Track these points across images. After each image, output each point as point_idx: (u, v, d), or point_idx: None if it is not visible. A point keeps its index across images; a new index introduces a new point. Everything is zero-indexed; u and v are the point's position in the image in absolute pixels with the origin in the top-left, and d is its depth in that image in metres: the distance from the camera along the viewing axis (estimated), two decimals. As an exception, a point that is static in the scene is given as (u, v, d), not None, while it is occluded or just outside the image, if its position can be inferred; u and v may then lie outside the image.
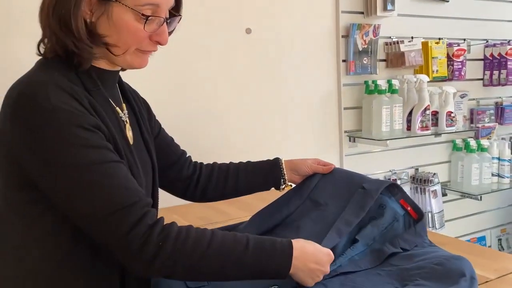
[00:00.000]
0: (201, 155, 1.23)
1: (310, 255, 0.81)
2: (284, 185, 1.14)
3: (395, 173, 2.21)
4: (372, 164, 2.14)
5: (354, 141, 2.06)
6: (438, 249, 0.98)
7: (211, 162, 1.18)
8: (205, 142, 1.73)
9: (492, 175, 2.31)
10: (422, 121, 2.01)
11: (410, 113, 2.04)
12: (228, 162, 1.17)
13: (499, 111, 2.47)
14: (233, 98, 1.81)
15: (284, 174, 1.13)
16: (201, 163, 1.17)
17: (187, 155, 1.15)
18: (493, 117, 2.44)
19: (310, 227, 0.99)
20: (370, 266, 0.94)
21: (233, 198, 1.18)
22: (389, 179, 2.16)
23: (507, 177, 2.38)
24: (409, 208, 1.07)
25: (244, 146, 1.82)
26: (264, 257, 0.77)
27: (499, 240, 2.62)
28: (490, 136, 2.41)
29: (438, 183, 2.22)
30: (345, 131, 2.06)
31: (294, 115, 1.95)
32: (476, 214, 2.53)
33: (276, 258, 0.78)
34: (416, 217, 1.06)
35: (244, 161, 1.16)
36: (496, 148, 2.36)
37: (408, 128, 2.05)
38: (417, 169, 2.29)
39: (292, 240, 0.81)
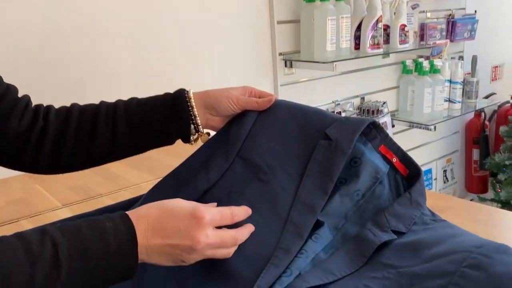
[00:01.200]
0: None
1: (166, 229, 0.48)
2: (196, 135, 0.68)
3: (339, 104, 1.83)
4: (313, 95, 1.74)
5: (291, 65, 1.62)
6: (451, 227, 0.60)
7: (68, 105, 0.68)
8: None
9: (444, 100, 2.02)
10: (373, 37, 1.60)
11: (359, 28, 1.62)
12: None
13: (451, 26, 2.15)
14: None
15: (195, 116, 0.66)
16: (49, 107, 0.67)
17: (28, 100, 0.65)
18: (444, 33, 2.12)
19: (248, 218, 0.56)
20: (350, 271, 0.54)
21: (113, 162, 0.70)
22: (333, 112, 1.78)
23: (458, 102, 2.11)
24: (394, 160, 0.67)
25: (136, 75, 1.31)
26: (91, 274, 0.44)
27: (444, 171, 2.43)
28: (441, 55, 2.10)
29: (388, 113, 1.89)
30: (280, 54, 1.61)
31: (213, 31, 1.44)
32: (422, 146, 2.28)
33: (116, 265, 0.45)
34: (406, 173, 0.66)
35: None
36: (448, 69, 2.06)
37: (356, 47, 1.65)
38: (362, 98, 1.93)
39: (129, 213, 0.48)
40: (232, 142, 0.64)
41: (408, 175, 0.66)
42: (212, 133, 0.69)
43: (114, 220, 0.47)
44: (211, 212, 0.50)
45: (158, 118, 0.65)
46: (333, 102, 1.81)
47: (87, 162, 0.66)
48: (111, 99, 0.69)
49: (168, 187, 0.63)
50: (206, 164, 0.62)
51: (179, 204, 0.50)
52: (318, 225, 0.59)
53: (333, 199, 0.61)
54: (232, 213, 0.52)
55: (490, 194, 2.36)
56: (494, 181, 2.24)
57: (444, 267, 0.49)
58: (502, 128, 2.16)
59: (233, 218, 0.52)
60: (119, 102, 0.67)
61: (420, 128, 1.97)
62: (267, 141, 0.64)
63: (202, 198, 0.60)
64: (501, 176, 2.08)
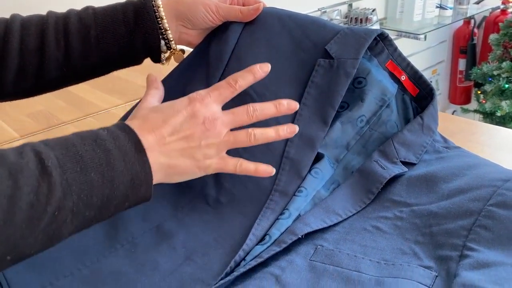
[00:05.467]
0: None
1: (158, 120, 0.41)
2: (168, 52, 0.56)
3: (325, 12, 1.68)
4: (297, 1, 1.58)
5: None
6: (468, 155, 0.52)
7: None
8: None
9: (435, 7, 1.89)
10: None
11: None
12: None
13: None
14: None
15: (165, 29, 0.54)
16: None
17: None
18: None
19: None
20: (355, 210, 0.47)
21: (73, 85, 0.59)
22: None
23: (450, 8, 1.98)
24: (403, 78, 0.58)
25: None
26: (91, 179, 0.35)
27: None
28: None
29: (377, 21, 1.75)
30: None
31: None
32: (408, 57, 2.17)
33: (124, 173, 0.37)
34: (415, 93, 0.58)
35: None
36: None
37: None
38: (350, 5, 1.77)
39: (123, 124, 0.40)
40: (213, 64, 0.53)
41: (417, 95, 0.57)
42: (188, 50, 0.58)
43: (108, 128, 0.38)
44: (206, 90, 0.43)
45: (119, 32, 0.53)
46: (318, 9, 1.66)
47: (36, 89, 0.54)
48: (61, 8, 0.55)
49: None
50: (183, 90, 0.52)
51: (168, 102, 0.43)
52: (317, 158, 0.51)
53: (333, 127, 0.53)
54: (233, 79, 0.44)
55: (473, 105, 2.33)
56: (479, 92, 2.20)
57: (467, 206, 0.42)
58: (492, 36, 2.06)
59: (235, 86, 0.44)
60: (71, 12, 0.54)
61: (408, 37, 1.85)
62: (255, 62, 0.53)
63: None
64: (487, 87, 2.03)
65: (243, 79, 0.44)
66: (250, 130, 0.43)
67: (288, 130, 0.45)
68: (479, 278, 0.34)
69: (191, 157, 0.41)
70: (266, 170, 0.44)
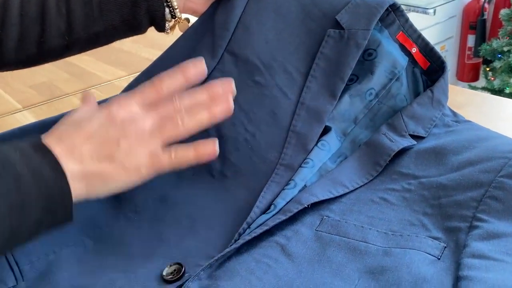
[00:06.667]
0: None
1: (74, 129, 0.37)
2: (172, 21, 0.55)
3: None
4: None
5: None
6: (478, 128, 0.51)
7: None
8: None
9: (446, -20, 1.84)
10: None
11: None
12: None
13: None
14: None
15: (171, -3, 0.53)
16: None
17: None
18: None
19: (243, 129, 0.46)
20: (362, 182, 0.46)
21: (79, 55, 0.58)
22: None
23: (461, -18, 1.93)
24: (414, 50, 0.56)
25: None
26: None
27: (437, 59, 2.32)
28: None
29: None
30: None
31: None
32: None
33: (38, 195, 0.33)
34: (426, 67, 0.56)
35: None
36: None
37: None
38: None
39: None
40: (219, 33, 0.52)
41: (428, 68, 0.56)
42: (193, 19, 0.56)
43: (21, 146, 0.34)
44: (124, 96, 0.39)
45: (120, 2, 0.52)
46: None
47: (38, 58, 0.53)
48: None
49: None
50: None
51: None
52: (324, 131, 0.50)
53: (341, 100, 0.52)
54: (159, 78, 0.39)
55: (481, 83, 2.30)
56: (487, 69, 2.16)
57: (477, 177, 0.41)
58: (503, 11, 2.01)
59: (160, 86, 0.39)
60: None
61: (417, 12, 1.81)
62: (262, 32, 0.52)
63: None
64: (496, 64, 1.99)
65: (170, 79, 0.39)
66: (177, 115, 0.38)
67: (224, 106, 0.39)
68: (489, 249, 0.34)
69: (111, 160, 0.36)
70: (205, 150, 0.39)
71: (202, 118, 0.39)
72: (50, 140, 0.36)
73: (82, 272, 0.40)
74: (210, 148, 0.40)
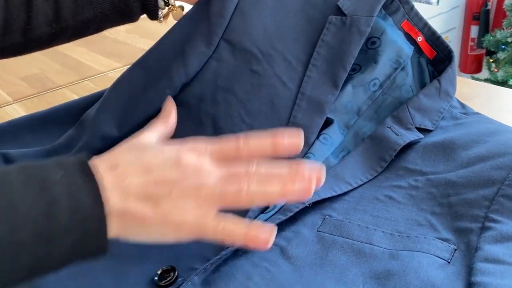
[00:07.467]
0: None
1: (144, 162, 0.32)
2: (165, 9, 0.52)
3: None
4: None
5: None
6: (488, 121, 0.49)
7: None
8: None
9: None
10: None
11: None
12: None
13: None
14: None
15: (164, -16, 0.50)
16: None
17: None
18: None
19: (241, 123, 0.43)
20: (366, 179, 0.44)
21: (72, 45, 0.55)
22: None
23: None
24: (420, 39, 0.53)
25: None
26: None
27: (440, 50, 2.29)
28: None
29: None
30: None
31: None
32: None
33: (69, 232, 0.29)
34: (432, 56, 0.54)
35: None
36: None
37: None
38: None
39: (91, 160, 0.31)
40: (215, 21, 0.49)
41: (434, 58, 0.53)
42: (187, 7, 0.53)
43: (66, 165, 0.30)
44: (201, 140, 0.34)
45: None
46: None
47: (25, 46, 0.51)
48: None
49: (134, 82, 0.49)
50: (182, 50, 0.48)
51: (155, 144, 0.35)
52: (326, 123, 0.48)
53: (343, 91, 0.49)
54: (245, 138, 0.34)
55: (484, 74, 2.27)
56: (491, 60, 2.13)
57: (489, 174, 0.39)
58: (508, 1, 1.98)
59: (243, 146, 0.34)
60: None
61: (420, 2, 1.78)
62: (260, 18, 0.49)
63: (179, 96, 0.47)
64: (500, 55, 1.96)
65: (257, 143, 0.34)
66: (245, 180, 0.32)
67: (302, 189, 0.32)
68: (504, 252, 0.31)
69: (156, 204, 0.31)
70: (258, 236, 0.32)
71: (272, 192, 0.32)
72: (102, 166, 0.31)
73: (70, 275, 0.38)
74: (264, 237, 0.32)
